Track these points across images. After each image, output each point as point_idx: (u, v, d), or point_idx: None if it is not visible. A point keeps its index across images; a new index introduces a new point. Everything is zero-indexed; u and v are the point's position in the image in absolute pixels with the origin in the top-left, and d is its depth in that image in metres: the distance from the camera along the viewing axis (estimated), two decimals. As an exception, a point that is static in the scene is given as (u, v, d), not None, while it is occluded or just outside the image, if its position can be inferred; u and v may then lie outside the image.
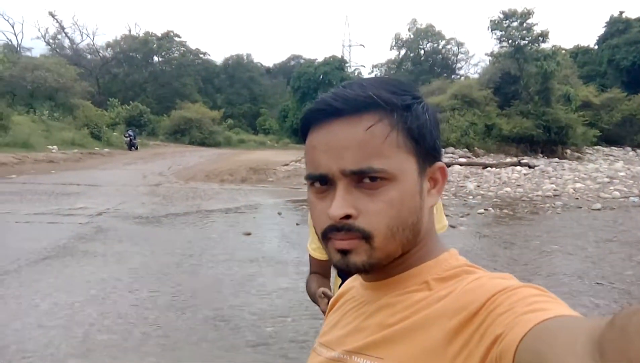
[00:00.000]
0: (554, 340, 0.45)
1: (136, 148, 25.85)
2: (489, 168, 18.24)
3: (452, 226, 8.37)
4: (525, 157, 23.07)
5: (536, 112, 26.60)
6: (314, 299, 1.61)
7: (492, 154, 25.61)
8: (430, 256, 0.67)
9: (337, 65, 46.75)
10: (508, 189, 13.71)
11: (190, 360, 3.52)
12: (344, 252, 0.63)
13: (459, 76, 44.55)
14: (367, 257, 0.63)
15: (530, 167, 18.33)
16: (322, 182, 0.64)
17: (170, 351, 3.62)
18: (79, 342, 3.70)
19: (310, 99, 34.04)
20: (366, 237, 0.62)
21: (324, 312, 1.42)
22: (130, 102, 35.74)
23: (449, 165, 19.17)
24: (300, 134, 0.69)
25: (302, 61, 51.14)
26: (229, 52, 67.36)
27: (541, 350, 0.45)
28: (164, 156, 22.37)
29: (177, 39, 45.69)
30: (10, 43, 39.82)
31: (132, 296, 4.73)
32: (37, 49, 55.67)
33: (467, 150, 25.25)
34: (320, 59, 47.57)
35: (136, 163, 19.23)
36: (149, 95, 41.57)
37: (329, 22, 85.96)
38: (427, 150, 0.65)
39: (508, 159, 21.64)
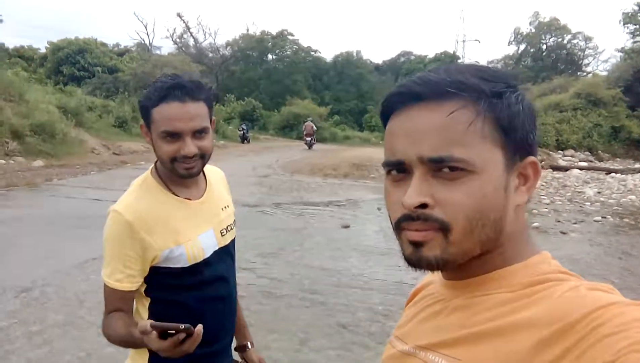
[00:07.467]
0: None
1: (248, 141, 27.40)
2: (613, 174, 16.68)
3: (563, 233, 7.89)
4: (659, 163, 20.75)
5: (674, 113, 23.77)
6: (131, 343, 1.17)
7: (618, 159, 23.47)
8: (517, 258, 0.61)
9: (448, 61, 45.46)
10: (633, 197, 12.45)
11: (284, 336, 3.79)
12: (417, 245, 0.60)
13: (585, 73, 40.90)
14: (441, 252, 0.59)
15: (663, 174, 16.45)
16: (398, 170, 0.62)
17: (267, 327, 3.92)
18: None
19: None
20: (444, 229, 0.58)
21: (158, 351, 1.02)
22: (245, 98, 37.88)
23: (567, 169, 17.82)
24: (381, 119, 0.67)
25: (412, 57, 50.54)
26: (339, 50, 68.34)
27: None
28: (273, 150, 23.45)
29: (290, 37, 47.44)
30: (143, 42, 44.11)
31: (240, 276, 5.14)
32: (166, 47, 60.93)
33: (589, 153, 23.40)
34: (431, 55, 46.74)
35: (247, 155, 20.39)
36: (262, 91, 43.69)
37: (443, 17, 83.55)
38: (517, 143, 0.60)
39: (637, 165, 19.60)
